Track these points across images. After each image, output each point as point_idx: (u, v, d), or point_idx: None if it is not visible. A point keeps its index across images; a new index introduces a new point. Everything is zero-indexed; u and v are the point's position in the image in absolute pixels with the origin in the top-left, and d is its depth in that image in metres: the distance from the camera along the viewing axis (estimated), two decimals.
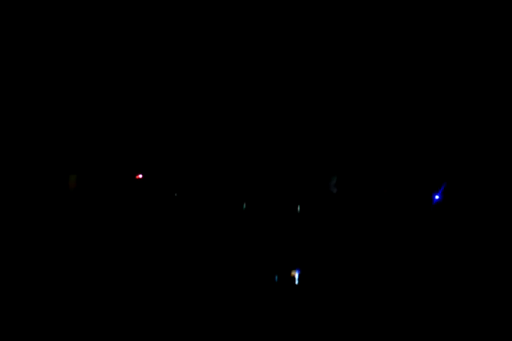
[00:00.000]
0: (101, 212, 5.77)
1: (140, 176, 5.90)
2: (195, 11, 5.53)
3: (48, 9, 5.47)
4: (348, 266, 4.93)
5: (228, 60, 5.70)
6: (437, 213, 4.99)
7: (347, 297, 4.48)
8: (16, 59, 5.57)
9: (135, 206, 5.84)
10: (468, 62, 5.11)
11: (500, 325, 3.87)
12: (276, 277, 4.96)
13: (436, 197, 5.01)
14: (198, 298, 4.44)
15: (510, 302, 4.18)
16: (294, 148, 5.68)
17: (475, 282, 4.50)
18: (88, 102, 5.82)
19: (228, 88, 5.77)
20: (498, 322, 3.91)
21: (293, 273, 5.03)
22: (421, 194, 5.10)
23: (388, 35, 5.26)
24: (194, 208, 5.82)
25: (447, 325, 3.96)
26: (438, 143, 5.24)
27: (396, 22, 5.21)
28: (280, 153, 5.71)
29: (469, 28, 5.03)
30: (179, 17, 5.56)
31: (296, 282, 4.89)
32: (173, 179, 5.92)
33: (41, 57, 5.63)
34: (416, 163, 5.27)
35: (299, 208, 5.49)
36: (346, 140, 5.53)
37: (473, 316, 4.04)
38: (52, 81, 5.71)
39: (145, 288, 4.64)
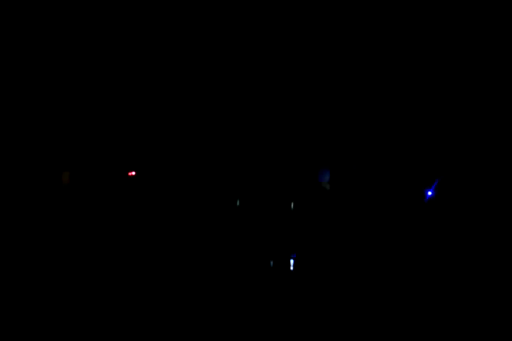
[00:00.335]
0: (94, 208, 5.75)
1: (133, 173, 5.89)
2: (195, 11, 5.54)
3: (48, 9, 5.46)
4: (342, 261, 4.94)
5: (223, 57, 5.70)
6: (430, 208, 5.01)
7: (341, 292, 4.50)
8: (11, 56, 5.55)
9: (128, 202, 5.83)
10: (466, 61, 5.14)
11: (498, 323, 3.89)
12: (272, 272, 4.97)
13: (429, 193, 5.04)
14: (194, 294, 4.44)
15: (503, 298, 4.21)
16: (288, 146, 5.69)
17: (468, 277, 4.52)
18: (81, 100, 5.81)
19: (220, 85, 5.77)
20: (495, 319, 3.92)
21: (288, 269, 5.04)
22: (414, 190, 5.13)
23: (387, 35, 5.29)
24: (188, 205, 5.82)
25: (439, 319, 3.97)
26: (431, 140, 5.27)
27: (396, 22, 5.23)
28: (274, 151, 5.72)
29: (469, 28, 5.06)
30: (179, 17, 5.57)
31: (292, 268, 4.92)
32: (166, 175, 5.92)
33: (33, 53, 5.61)
34: (409, 159, 5.29)
35: (292, 205, 5.49)
36: (340, 137, 5.55)
37: (466, 310, 4.06)
38: (47, 81, 5.70)
39: (139, 279, 4.64)
